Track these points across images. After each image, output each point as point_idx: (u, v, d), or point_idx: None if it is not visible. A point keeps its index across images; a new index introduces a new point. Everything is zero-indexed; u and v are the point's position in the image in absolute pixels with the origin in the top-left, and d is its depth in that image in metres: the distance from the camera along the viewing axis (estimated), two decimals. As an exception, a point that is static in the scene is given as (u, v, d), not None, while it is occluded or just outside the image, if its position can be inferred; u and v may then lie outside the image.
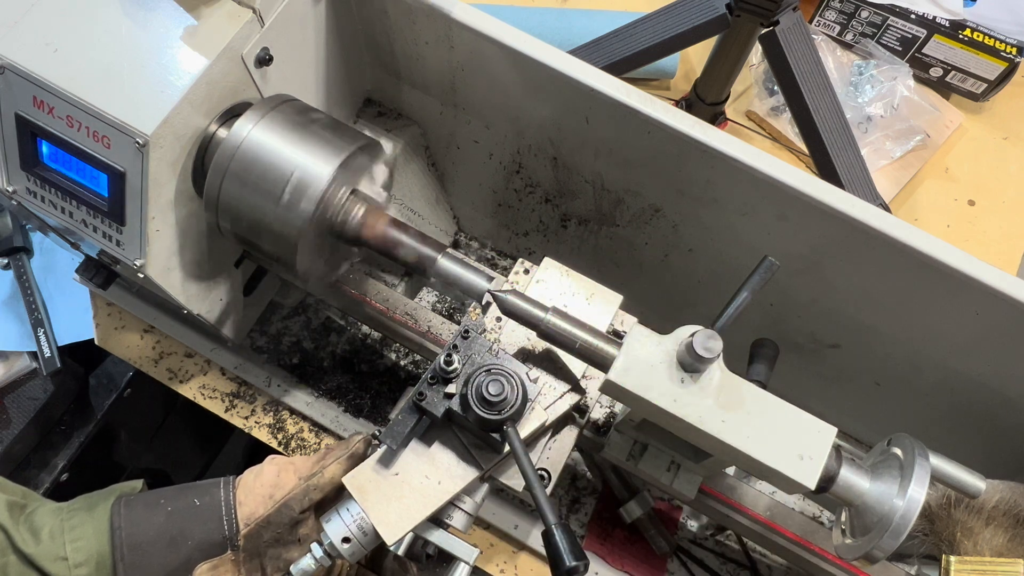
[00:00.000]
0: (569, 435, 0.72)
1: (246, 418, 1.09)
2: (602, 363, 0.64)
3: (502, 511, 1.01)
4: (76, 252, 0.96)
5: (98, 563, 0.67)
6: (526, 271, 0.76)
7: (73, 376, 1.19)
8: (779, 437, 0.60)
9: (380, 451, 0.66)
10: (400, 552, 0.67)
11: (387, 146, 1.03)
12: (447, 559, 0.68)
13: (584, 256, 1.10)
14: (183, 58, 0.70)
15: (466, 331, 0.64)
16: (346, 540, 0.65)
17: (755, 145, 0.75)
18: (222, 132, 0.75)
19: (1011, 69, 1.33)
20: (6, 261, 1.22)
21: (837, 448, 0.64)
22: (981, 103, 1.41)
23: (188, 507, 0.70)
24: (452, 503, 0.67)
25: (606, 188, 0.96)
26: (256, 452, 0.77)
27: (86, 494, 0.73)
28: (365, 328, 1.15)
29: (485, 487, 0.70)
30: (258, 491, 0.71)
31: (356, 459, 0.72)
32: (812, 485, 0.61)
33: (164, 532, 0.69)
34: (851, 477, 0.64)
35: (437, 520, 0.68)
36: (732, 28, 1.09)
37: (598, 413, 0.86)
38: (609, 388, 0.62)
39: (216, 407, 1.09)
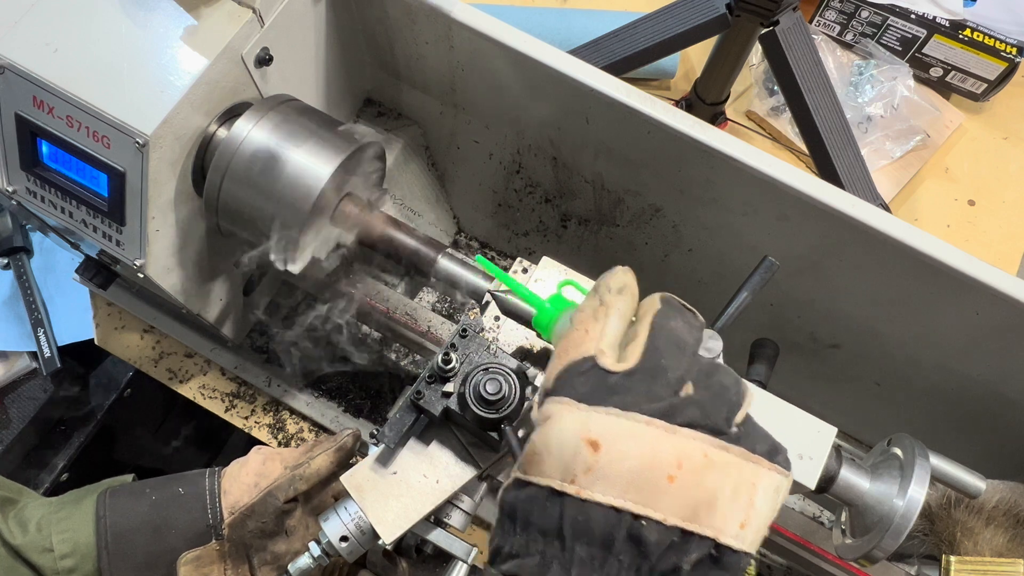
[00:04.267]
0: (568, 435, 0.72)
1: (246, 418, 1.09)
2: (601, 363, 0.64)
3: (502, 511, 1.01)
4: (76, 252, 0.96)
5: (83, 554, 0.67)
6: (524, 270, 0.76)
7: (73, 376, 1.19)
8: (779, 437, 0.60)
9: (378, 450, 0.66)
10: (388, 547, 0.67)
11: (387, 146, 1.03)
12: (445, 558, 0.68)
13: (584, 256, 1.10)
14: (183, 58, 0.70)
15: (464, 330, 0.64)
16: (344, 539, 0.65)
17: (755, 145, 0.75)
18: (222, 132, 0.75)
19: (1011, 69, 1.33)
20: (6, 261, 1.22)
21: (837, 448, 0.63)
22: (981, 103, 1.41)
23: (172, 496, 0.70)
24: (450, 502, 0.67)
25: (606, 188, 0.96)
26: (256, 452, 0.78)
27: (76, 489, 0.72)
28: (365, 328, 1.15)
29: (483, 486, 0.70)
30: (243, 479, 0.70)
31: (344, 452, 0.72)
32: (812, 485, 0.61)
33: (148, 521, 0.68)
34: (851, 477, 0.64)
35: (435, 519, 0.68)
36: (732, 28, 1.09)
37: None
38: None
39: (216, 407, 1.09)
